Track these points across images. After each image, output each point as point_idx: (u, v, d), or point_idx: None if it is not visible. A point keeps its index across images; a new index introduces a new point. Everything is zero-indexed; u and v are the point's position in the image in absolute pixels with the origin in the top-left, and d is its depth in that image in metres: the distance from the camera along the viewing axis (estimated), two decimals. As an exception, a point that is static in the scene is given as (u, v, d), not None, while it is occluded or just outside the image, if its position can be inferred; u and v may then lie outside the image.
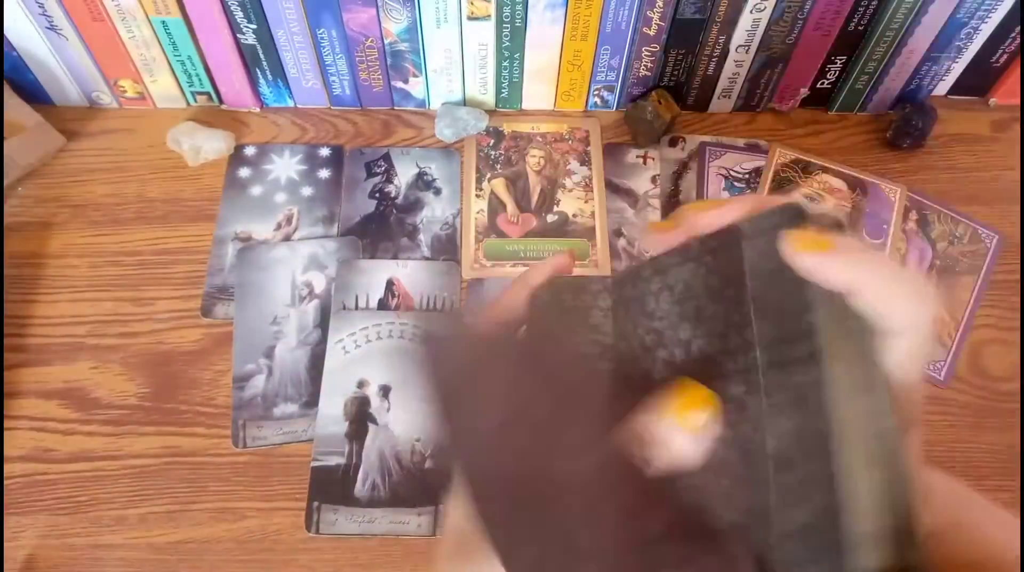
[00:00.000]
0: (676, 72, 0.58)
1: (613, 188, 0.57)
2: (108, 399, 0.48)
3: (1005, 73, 0.60)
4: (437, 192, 0.56)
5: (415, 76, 0.57)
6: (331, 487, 0.45)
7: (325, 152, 0.57)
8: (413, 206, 0.55)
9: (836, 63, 0.57)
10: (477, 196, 0.56)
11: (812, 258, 0.22)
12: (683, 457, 0.23)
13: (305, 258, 0.53)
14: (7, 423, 0.47)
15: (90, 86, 0.57)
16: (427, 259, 0.53)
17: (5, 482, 0.45)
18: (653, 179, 0.57)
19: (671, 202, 0.56)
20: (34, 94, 0.57)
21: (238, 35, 0.53)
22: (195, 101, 0.59)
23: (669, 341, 0.26)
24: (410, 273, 0.52)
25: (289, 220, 0.54)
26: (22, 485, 0.45)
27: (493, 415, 0.24)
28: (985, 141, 0.61)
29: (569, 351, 0.27)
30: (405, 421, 0.47)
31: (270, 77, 0.57)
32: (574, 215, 0.55)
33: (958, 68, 0.59)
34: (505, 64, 0.56)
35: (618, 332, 0.27)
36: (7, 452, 0.46)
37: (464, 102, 0.59)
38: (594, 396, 0.25)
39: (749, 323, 0.23)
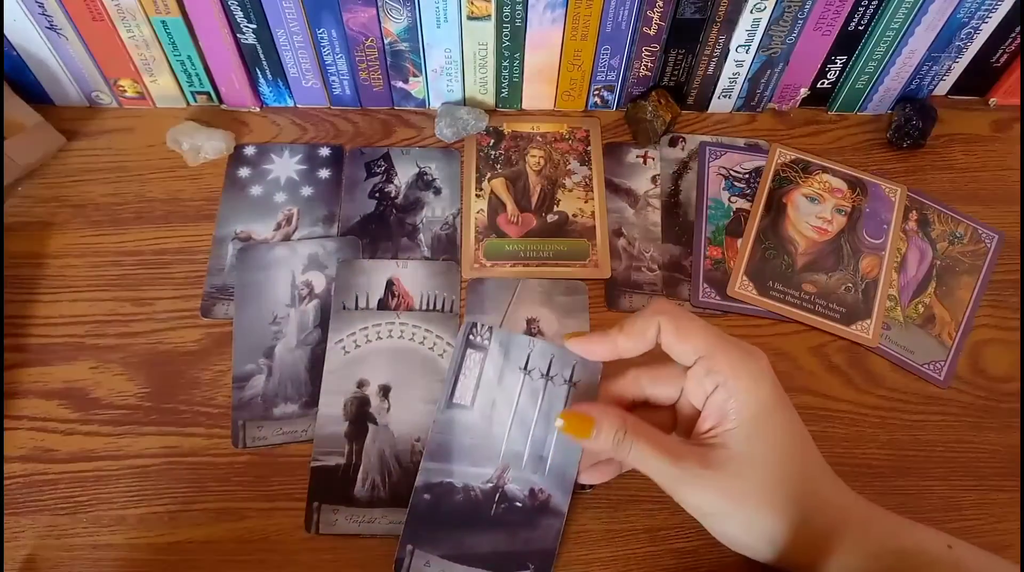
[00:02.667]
0: (676, 72, 0.58)
1: (613, 188, 0.57)
2: (108, 399, 0.48)
3: (1005, 73, 0.60)
4: (437, 192, 0.56)
5: (415, 76, 0.57)
6: (331, 487, 0.45)
7: (325, 152, 0.57)
8: (413, 206, 0.55)
9: (836, 63, 0.57)
10: (477, 196, 0.56)
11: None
12: None
13: (305, 258, 0.53)
14: (7, 423, 0.47)
15: (90, 86, 0.57)
16: (427, 259, 0.53)
17: (5, 482, 0.45)
18: (653, 179, 0.57)
19: (671, 202, 0.56)
20: (34, 94, 0.57)
21: (238, 35, 0.53)
22: (195, 101, 0.59)
23: None
24: (410, 273, 0.52)
25: (289, 220, 0.54)
26: (22, 485, 0.45)
27: None
28: (985, 141, 0.61)
29: None
30: (405, 421, 0.47)
31: (270, 77, 0.57)
32: (574, 215, 0.55)
33: (958, 68, 0.59)
34: (505, 64, 0.56)
35: None
36: (7, 452, 0.46)
37: (464, 102, 0.59)
38: None
39: None
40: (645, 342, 0.39)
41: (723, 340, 0.38)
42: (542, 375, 0.42)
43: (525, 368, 0.42)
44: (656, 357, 0.40)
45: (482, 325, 0.42)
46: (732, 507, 0.37)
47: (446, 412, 0.42)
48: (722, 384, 0.37)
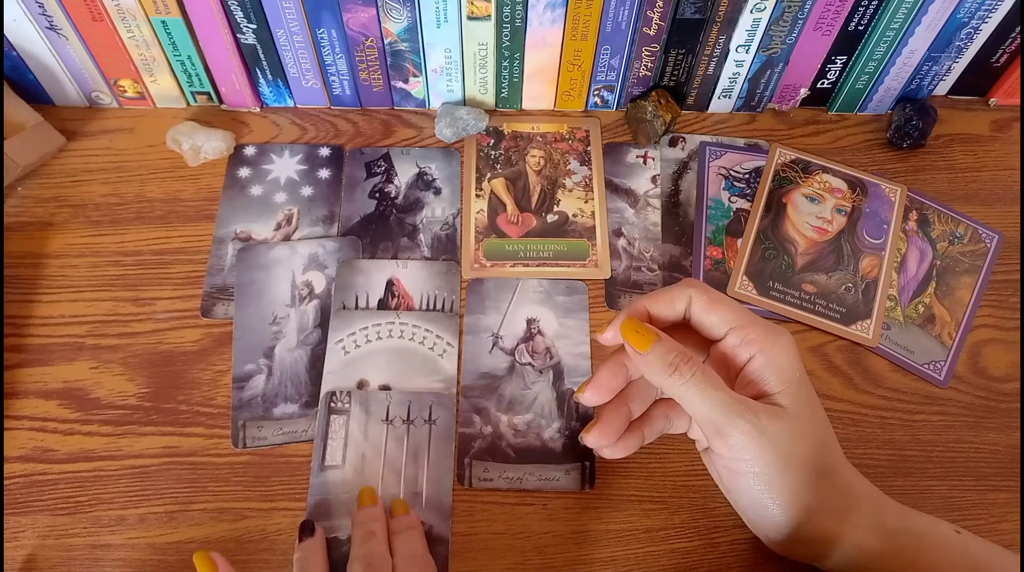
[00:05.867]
0: (676, 72, 0.58)
1: (613, 188, 0.57)
2: (108, 399, 0.48)
3: (1005, 73, 0.60)
4: (437, 192, 0.56)
5: (415, 76, 0.57)
6: (331, 487, 0.45)
7: (325, 152, 0.57)
8: (413, 206, 0.55)
9: (836, 63, 0.57)
10: (477, 196, 0.56)
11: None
12: None
13: (305, 258, 0.53)
14: (7, 423, 0.47)
15: (90, 86, 0.57)
16: (427, 259, 0.53)
17: (5, 482, 0.45)
18: (653, 179, 0.57)
19: (671, 202, 0.56)
20: (34, 94, 0.57)
21: (238, 35, 0.53)
22: (195, 101, 0.59)
23: None
24: (410, 273, 0.52)
25: (289, 220, 0.54)
26: (22, 485, 0.45)
27: None
28: (985, 141, 0.61)
29: None
30: (405, 421, 0.47)
31: (270, 77, 0.57)
32: (574, 215, 0.55)
33: (958, 68, 0.59)
34: (505, 64, 0.56)
35: None
36: (7, 452, 0.46)
37: (464, 102, 0.59)
38: None
39: None
40: (674, 312, 0.39)
41: (752, 314, 0.38)
42: (403, 421, 0.46)
43: (387, 419, 0.46)
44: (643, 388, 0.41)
45: (341, 392, 0.47)
46: (778, 465, 0.36)
47: (320, 475, 0.45)
48: (760, 351, 0.37)
